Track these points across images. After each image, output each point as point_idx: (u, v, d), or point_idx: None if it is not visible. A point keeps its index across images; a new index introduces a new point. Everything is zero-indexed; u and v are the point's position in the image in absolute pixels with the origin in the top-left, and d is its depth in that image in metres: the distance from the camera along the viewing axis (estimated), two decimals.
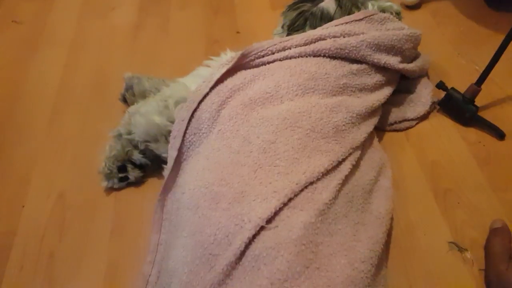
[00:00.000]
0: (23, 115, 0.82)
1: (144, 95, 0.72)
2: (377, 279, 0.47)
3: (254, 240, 0.43)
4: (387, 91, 0.66)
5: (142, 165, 0.68)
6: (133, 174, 0.67)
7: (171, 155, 0.57)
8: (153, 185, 0.68)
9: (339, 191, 0.49)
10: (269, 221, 0.44)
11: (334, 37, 0.63)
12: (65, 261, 0.61)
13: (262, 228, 0.44)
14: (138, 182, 0.68)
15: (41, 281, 0.59)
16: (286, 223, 0.44)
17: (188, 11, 0.98)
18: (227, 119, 0.55)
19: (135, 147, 0.66)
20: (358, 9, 0.69)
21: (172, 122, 0.59)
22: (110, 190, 0.68)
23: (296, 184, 0.46)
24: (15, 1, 1.10)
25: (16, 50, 0.96)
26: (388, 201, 0.55)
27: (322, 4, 0.69)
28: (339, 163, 0.52)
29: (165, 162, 0.60)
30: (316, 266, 0.42)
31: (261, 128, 0.53)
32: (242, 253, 0.43)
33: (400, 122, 0.69)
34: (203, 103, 0.57)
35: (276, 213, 0.45)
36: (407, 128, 0.69)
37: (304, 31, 0.68)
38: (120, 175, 0.67)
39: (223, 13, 0.96)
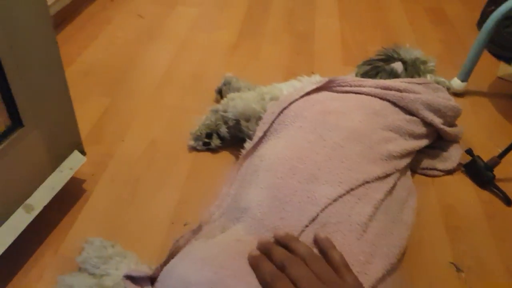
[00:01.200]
0: (135, 80, 1.03)
1: (238, 91, 0.92)
2: (398, 265, 0.62)
3: (320, 213, 0.58)
4: (425, 142, 0.83)
5: (224, 138, 0.85)
6: (215, 142, 0.85)
7: (257, 134, 0.74)
8: (226, 156, 0.85)
9: (386, 195, 0.65)
10: (334, 200, 0.60)
11: (398, 89, 0.82)
12: (148, 186, 0.77)
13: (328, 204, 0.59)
14: (215, 150, 0.86)
15: (127, 194, 0.75)
16: (346, 206, 0.60)
17: (277, 46, 1.21)
18: (308, 119, 0.73)
19: (225, 123, 0.84)
20: (419, 75, 0.89)
21: (265, 110, 0.77)
22: (192, 149, 0.85)
23: (356, 180, 0.63)
24: (143, 0, 1.38)
25: (136, 37, 1.20)
26: (412, 216, 0.71)
27: (392, 65, 0.89)
28: (387, 175, 0.68)
29: (243, 141, 0.77)
30: (365, 239, 0.57)
31: (334, 133, 0.69)
32: (311, 221, 0.58)
33: (429, 169, 0.86)
34: (292, 105, 0.76)
35: (340, 197, 0.60)
36: (434, 176, 0.85)
37: None
38: (206, 140, 0.84)
39: (303, 55, 1.18)
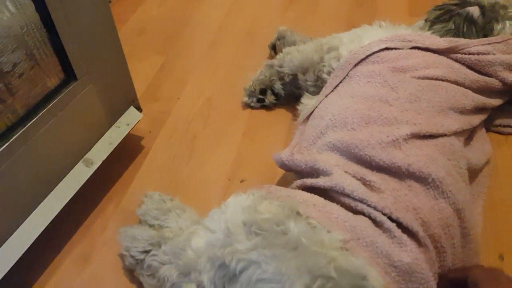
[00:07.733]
0: (189, 38, 1.01)
1: (293, 45, 0.87)
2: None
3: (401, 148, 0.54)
4: (500, 101, 0.75)
5: (278, 95, 0.82)
6: (269, 99, 0.82)
7: (319, 99, 0.69)
8: (282, 114, 0.82)
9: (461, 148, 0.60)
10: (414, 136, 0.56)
11: (479, 53, 0.73)
12: (205, 143, 0.77)
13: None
14: (270, 108, 0.83)
15: (183, 150, 0.76)
16: (420, 146, 0.55)
17: None
18: (376, 74, 0.66)
19: (280, 78, 0.81)
20: (497, 22, 0.79)
21: (323, 61, 0.73)
22: (246, 106, 0.83)
23: (437, 131, 0.57)
24: None
25: None
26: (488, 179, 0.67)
27: (468, 8, 0.79)
28: (463, 131, 0.62)
29: (298, 98, 0.74)
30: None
31: (408, 85, 0.63)
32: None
33: (503, 126, 0.78)
34: (358, 65, 0.69)
35: (416, 137, 0.56)
36: (508, 134, 0.78)
37: (446, 26, 0.79)
38: (260, 96, 0.82)
39: (365, 7, 1.10)
